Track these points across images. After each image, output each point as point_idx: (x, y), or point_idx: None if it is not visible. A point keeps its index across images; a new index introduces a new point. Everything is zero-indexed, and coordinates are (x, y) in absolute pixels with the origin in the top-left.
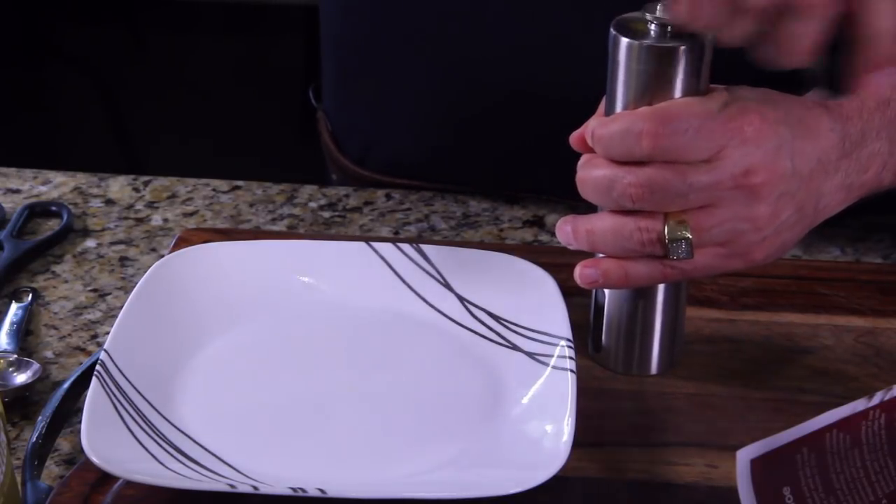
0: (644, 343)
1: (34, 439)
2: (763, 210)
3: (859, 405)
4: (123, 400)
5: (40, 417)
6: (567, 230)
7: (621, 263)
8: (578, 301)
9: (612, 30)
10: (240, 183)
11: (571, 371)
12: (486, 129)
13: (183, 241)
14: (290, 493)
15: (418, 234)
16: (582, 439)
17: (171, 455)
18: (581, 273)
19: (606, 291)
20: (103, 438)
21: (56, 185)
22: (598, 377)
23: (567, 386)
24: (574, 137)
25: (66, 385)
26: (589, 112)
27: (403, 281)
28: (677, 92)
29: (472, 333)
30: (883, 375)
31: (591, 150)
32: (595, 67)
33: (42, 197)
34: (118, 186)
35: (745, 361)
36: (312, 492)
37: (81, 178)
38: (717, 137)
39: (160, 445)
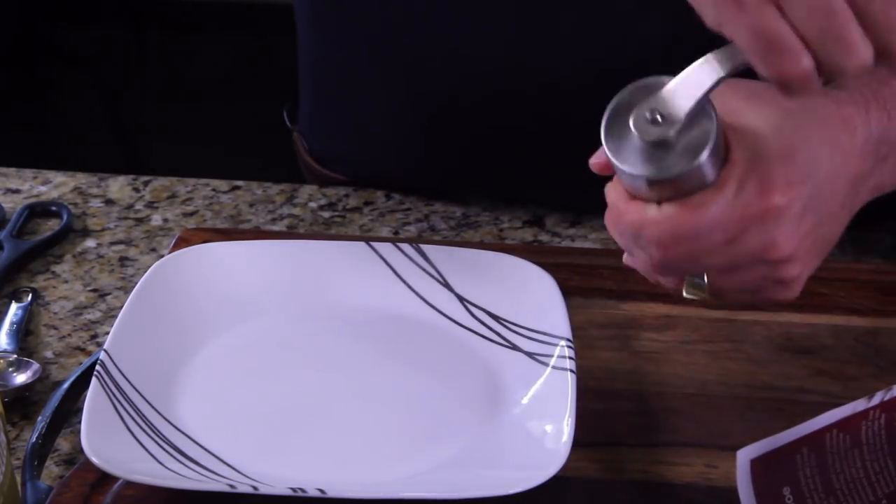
0: None
1: (34, 439)
2: (789, 270)
3: (859, 405)
4: (123, 400)
5: (40, 417)
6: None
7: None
8: (578, 301)
9: (604, 140)
10: (240, 183)
11: (571, 371)
12: (469, 142)
13: (183, 241)
14: (289, 493)
15: (418, 234)
16: (582, 439)
17: (171, 455)
18: (625, 261)
19: None
20: (103, 438)
21: (56, 185)
22: (598, 377)
23: (567, 386)
24: (595, 164)
25: (65, 385)
26: (572, 114)
27: (403, 281)
28: (690, 186)
29: (472, 333)
30: (883, 375)
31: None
32: (574, 85)
33: (42, 197)
34: (118, 186)
35: (745, 361)
36: (312, 492)
37: (81, 178)
38: (733, 229)
39: (160, 445)
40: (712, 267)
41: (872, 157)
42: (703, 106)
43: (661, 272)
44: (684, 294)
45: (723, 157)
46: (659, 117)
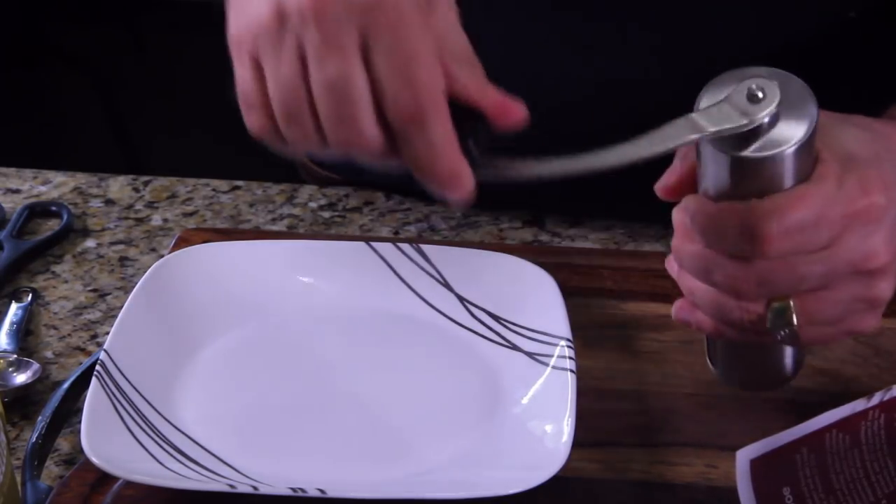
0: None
1: (34, 439)
2: (882, 288)
3: (859, 405)
4: (123, 400)
5: (40, 417)
6: (673, 271)
7: (718, 327)
8: (578, 301)
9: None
10: (240, 183)
11: (571, 371)
12: None
13: (183, 241)
14: (289, 493)
15: (418, 234)
16: (582, 439)
17: (171, 455)
18: (677, 315)
19: None
20: (103, 438)
21: (56, 185)
22: (598, 377)
23: (567, 386)
24: (662, 189)
25: (65, 385)
26: (578, 116)
27: (403, 281)
28: (788, 182)
29: (472, 333)
30: (883, 375)
31: (679, 195)
32: (573, 95)
33: (42, 197)
34: (118, 186)
35: None
36: (312, 492)
37: (81, 178)
38: (836, 226)
39: (160, 445)
40: (808, 278)
41: None
42: (804, 91)
43: (755, 285)
44: (768, 325)
45: (815, 155)
46: (760, 94)
